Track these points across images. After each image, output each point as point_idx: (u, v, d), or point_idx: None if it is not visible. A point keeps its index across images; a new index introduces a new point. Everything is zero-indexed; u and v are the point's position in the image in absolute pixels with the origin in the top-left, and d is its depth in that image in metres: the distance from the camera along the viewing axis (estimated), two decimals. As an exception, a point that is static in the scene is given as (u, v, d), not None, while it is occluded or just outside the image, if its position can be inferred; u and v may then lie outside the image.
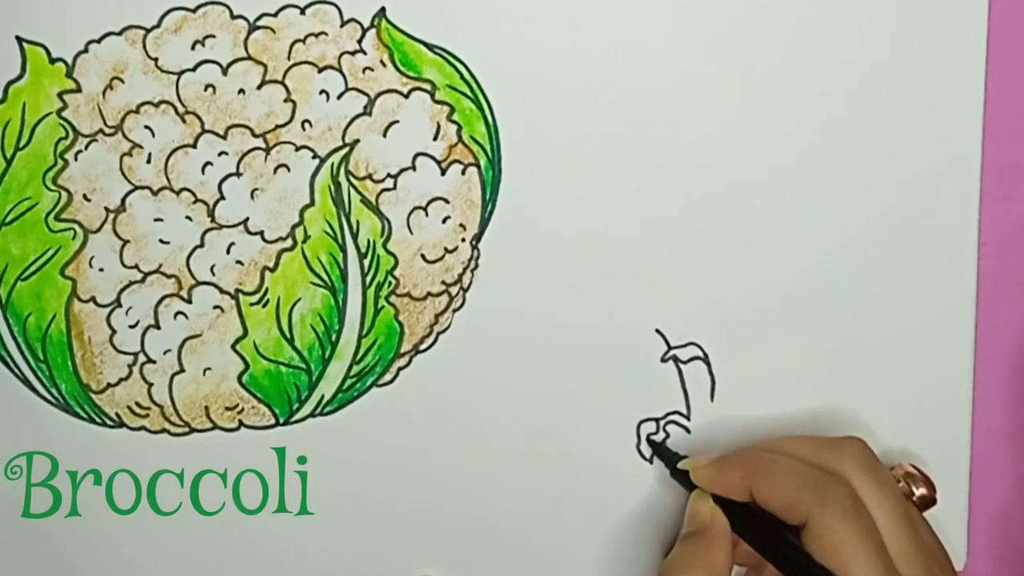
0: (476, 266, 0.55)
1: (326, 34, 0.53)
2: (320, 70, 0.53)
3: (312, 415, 0.56)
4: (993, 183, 0.56)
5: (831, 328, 0.57)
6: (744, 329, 0.56)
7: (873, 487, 0.49)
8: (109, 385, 0.55)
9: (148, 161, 0.53)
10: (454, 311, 0.55)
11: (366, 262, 0.54)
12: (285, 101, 0.53)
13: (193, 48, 0.53)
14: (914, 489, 0.53)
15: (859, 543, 0.47)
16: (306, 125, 0.54)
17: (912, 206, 0.56)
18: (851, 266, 0.56)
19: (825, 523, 0.48)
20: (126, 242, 0.54)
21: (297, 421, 0.56)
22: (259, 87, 0.53)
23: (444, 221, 0.55)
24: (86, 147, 0.53)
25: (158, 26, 0.53)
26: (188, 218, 0.54)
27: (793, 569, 0.49)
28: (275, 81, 0.53)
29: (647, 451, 0.57)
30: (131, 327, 0.54)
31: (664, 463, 0.55)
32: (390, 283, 0.55)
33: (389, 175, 0.54)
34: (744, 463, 0.51)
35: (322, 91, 0.54)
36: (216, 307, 0.54)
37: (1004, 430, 0.57)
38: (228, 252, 0.54)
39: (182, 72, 0.53)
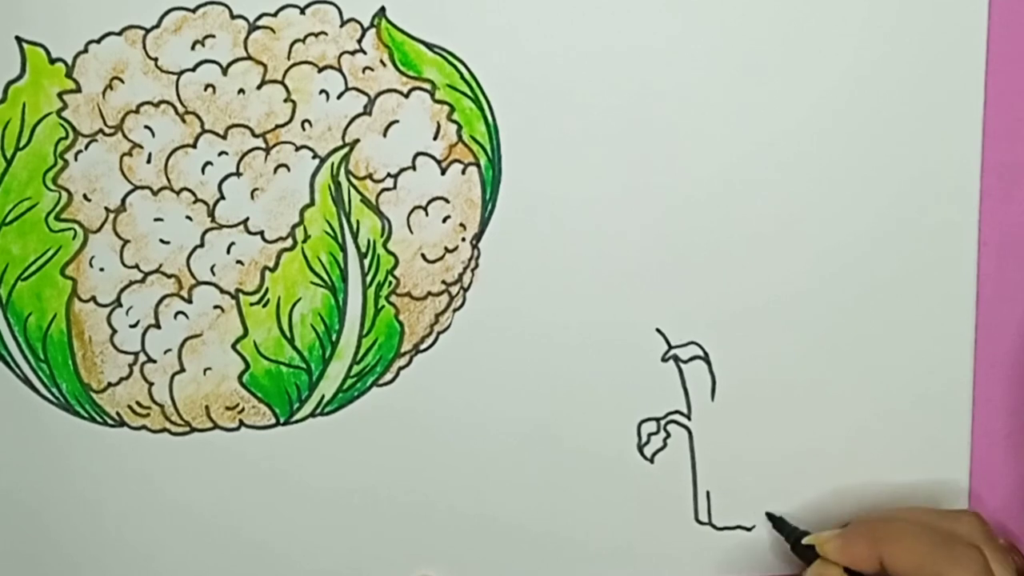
0: (476, 265, 0.55)
1: (326, 34, 0.53)
2: (320, 70, 0.53)
3: (312, 415, 0.56)
4: (993, 183, 0.56)
5: (831, 328, 0.57)
6: (744, 329, 0.56)
7: (996, 557, 0.51)
8: (110, 384, 0.55)
9: (148, 161, 0.53)
10: (454, 311, 0.55)
11: (366, 262, 0.54)
12: (285, 101, 0.53)
13: (193, 48, 0.53)
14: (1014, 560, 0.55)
15: None
16: (306, 125, 0.54)
17: (912, 206, 0.56)
18: (851, 266, 0.56)
19: None
20: (126, 242, 0.54)
21: (297, 421, 0.56)
22: (259, 87, 0.53)
23: (444, 221, 0.55)
24: (86, 147, 0.53)
25: (158, 26, 0.53)
26: (188, 218, 0.54)
27: None
28: (275, 81, 0.53)
29: (648, 451, 0.57)
30: (131, 327, 0.54)
31: (784, 537, 0.56)
32: (390, 283, 0.55)
33: (389, 175, 0.54)
34: (870, 531, 0.52)
35: (322, 91, 0.53)
36: (216, 307, 0.54)
37: (1004, 430, 0.57)
38: (228, 252, 0.54)
39: (182, 72, 0.53)
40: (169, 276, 0.54)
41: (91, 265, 0.54)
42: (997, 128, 0.56)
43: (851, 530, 0.53)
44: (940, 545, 0.50)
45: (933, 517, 0.53)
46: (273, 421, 0.56)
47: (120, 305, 0.54)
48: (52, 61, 0.53)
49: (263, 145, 0.54)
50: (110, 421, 0.55)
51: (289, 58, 0.53)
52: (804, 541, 0.54)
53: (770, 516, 0.57)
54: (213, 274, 0.54)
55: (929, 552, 0.50)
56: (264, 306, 0.55)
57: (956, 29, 0.55)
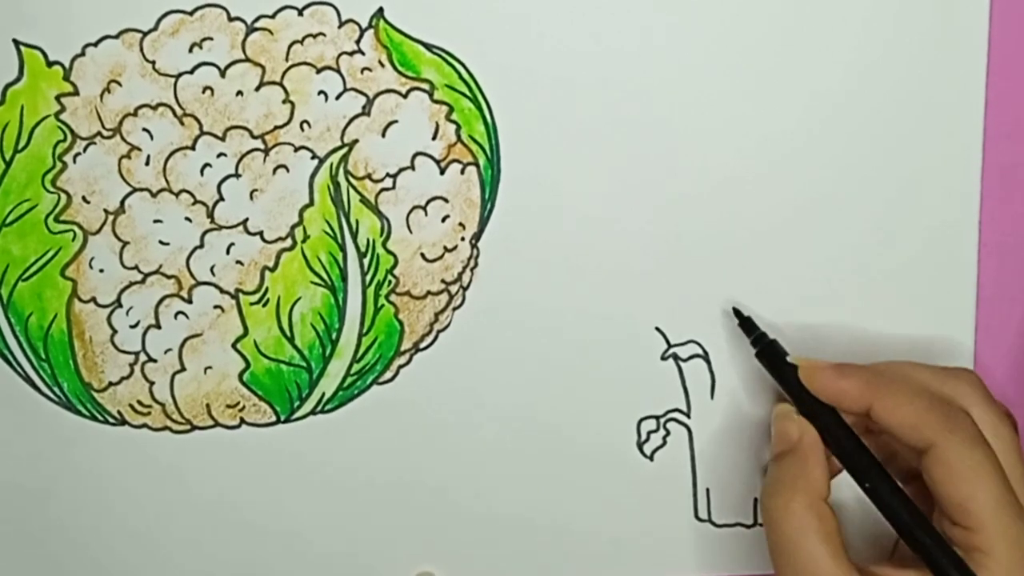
0: (476, 265, 0.55)
1: (324, 35, 0.53)
2: (318, 71, 0.53)
3: (313, 413, 0.56)
4: (994, 183, 0.56)
5: (831, 327, 0.57)
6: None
7: (992, 417, 0.50)
8: (111, 384, 0.55)
9: (147, 163, 0.53)
10: (454, 309, 0.56)
11: (366, 261, 0.54)
12: (284, 102, 0.53)
13: (191, 50, 0.53)
14: None
15: (986, 472, 0.48)
16: (305, 126, 0.53)
17: (913, 206, 0.56)
18: (851, 265, 0.56)
19: (953, 449, 0.48)
20: (126, 243, 0.54)
21: (298, 419, 0.56)
22: (257, 88, 0.53)
23: (443, 220, 0.55)
24: (84, 149, 0.53)
25: (155, 29, 0.53)
26: (187, 219, 0.54)
27: (880, 491, 0.49)
28: (273, 82, 0.53)
29: (648, 448, 0.57)
30: (132, 327, 0.55)
31: (751, 342, 0.54)
32: (390, 282, 0.55)
33: (388, 175, 0.54)
34: (867, 376, 0.50)
35: (320, 92, 0.53)
36: (216, 307, 0.55)
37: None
38: (228, 252, 0.54)
39: (180, 74, 0.53)
40: (169, 277, 0.54)
41: (91, 266, 0.54)
42: (998, 128, 0.55)
43: (847, 366, 0.51)
44: (936, 408, 0.49)
45: (930, 376, 0.51)
46: (274, 419, 0.56)
47: (120, 305, 0.54)
48: (50, 64, 0.53)
49: (262, 146, 0.53)
50: (111, 420, 0.55)
51: (287, 59, 0.53)
52: (790, 359, 0.52)
53: (736, 312, 0.55)
54: (213, 274, 0.54)
55: (924, 413, 0.49)
56: (264, 306, 0.55)
57: (957, 29, 0.55)
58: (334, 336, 0.55)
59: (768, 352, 0.53)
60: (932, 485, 0.49)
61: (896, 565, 0.49)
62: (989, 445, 0.48)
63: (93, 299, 0.54)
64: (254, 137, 0.53)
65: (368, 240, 0.54)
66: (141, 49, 0.53)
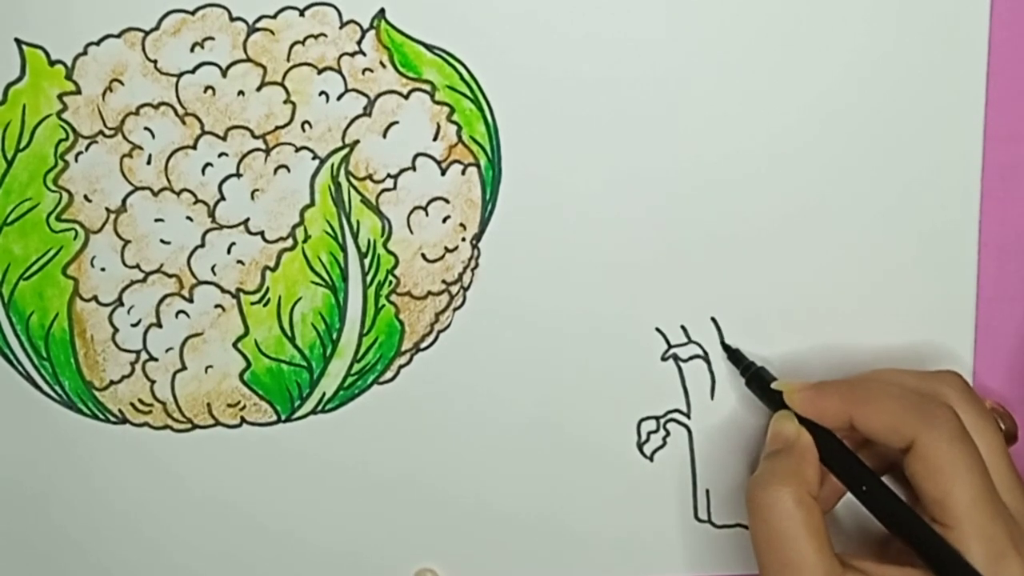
0: (476, 265, 0.55)
1: (325, 35, 0.53)
2: (320, 71, 0.53)
3: (313, 412, 0.56)
4: (994, 183, 0.56)
5: (832, 327, 0.57)
6: (744, 328, 0.56)
7: (975, 416, 0.50)
8: (112, 382, 0.55)
9: (148, 162, 0.53)
10: (455, 310, 0.56)
11: (366, 261, 0.55)
12: (285, 102, 0.53)
13: (192, 50, 0.53)
14: (1000, 424, 0.54)
15: (965, 465, 0.47)
16: (306, 126, 0.54)
17: (913, 206, 0.56)
18: (852, 265, 0.56)
19: (932, 444, 0.48)
20: (127, 242, 0.54)
21: (299, 418, 0.56)
22: (259, 89, 0.53)
23: (444, 221, 0.55)
24: (86, 148, 0.53)
25: (157, 28, 0.53)
26: (189, 218, 0.54)
27: (877, 497, 0.49)
28: (275, 83, 0.53)
29: (648, 449, 0.57)
30: (133, 326, 0.55)
31: (740, 370, 0.55)
32: (390, 282, 0.55)
33: (389, 175, 0.54)
34: (844, 389, 0.51)
35: (322, 92, 0.53)
36: (217, 306, 0.55)
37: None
38: (229, 252, 0.54)
39: (181, 74, 0.53)
40: (170, 276, 0.54)
41: (92, 265, 0.54)
42: (998, 128, 0.55)
43: (824, 384, 0.51)
44: (913, 407, 0.49)
45: (910, 378, 0.51)
46: (274, 418, 0.56)
47: (121, 304, 0.54)
48: (52, 63, 0.53)
49: (263, 146, 0.54)
50: (112, 418, 0.55)
51: (289, 60, 0.53)
52: (773, 386, 0.53)
53: (725, 346, 0.56)
54: (214, 274, 0.54)
55: (902, 413, 0.49)
56: (265, 305, 0.55)
57: (957, 29, 0.55)
58: (335, 336, 0.55)
59: (756, 379, 0.54)
60: (913, 481, 0.49)
61: (878, 560, 0.49)
62: (972, 441, 0.48)
63: (94, 298, 0.54)
64: (255, 137, 0.53)
65: (369, 240, 0.54)
66: (143, 48, 0.53)
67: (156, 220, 0.54)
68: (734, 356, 0.56)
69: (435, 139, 0.54)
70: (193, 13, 0.53)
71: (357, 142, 0.54)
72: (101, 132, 0.53)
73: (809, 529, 0.48)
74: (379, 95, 0.54)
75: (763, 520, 0.49)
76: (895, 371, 0.53)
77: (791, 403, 0.52)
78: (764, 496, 0.49)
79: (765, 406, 0.54)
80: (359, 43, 0.53)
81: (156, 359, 0.55)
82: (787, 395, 0.52)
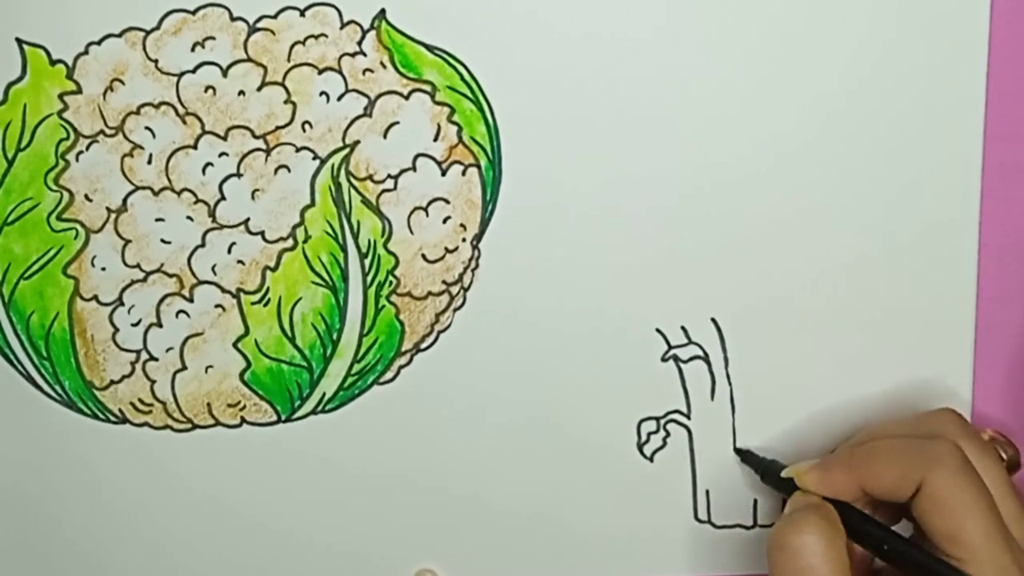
0: (477, 266, 0.55)
1: (326, 36, 0.53)
2: (320, 72, 0.53)
3: (314, 412, 0.56)
4: (994, 184, 0.56)
5: (831, 327, 0.57)
6: (744, 328, 0.56)
7: (976, 451, 0.49)
8: (112, 382, 0.55)
9: (149, 162, 0.54)
10: (455, 310, 0.56)
11: (367, 262, 0.55)
12: (285, 102, 0.53)
13: (193, 50, 0.53)
14: (1002, 454, 0.54)
15: (973, 498, 0.47)
16: (306, 126, 0.54)
17: (913, 206, 0.56)
18: (852, 265, 0.56)
19: (939, 480, 0.48)
20: (128, 242, 0.54)
21: (299, 418, 0.56)
22: (259, 88, 0.53)
23: (445, 221, 0.55)
24: (87, 148, 0.53)
25: (158, 28, 0.53)
26: (189, 218, 0.54)
27: (904, 558, 0.49)
28: (275, 83, 0.53)
29: (648, 449, 0.57)
30: (133, 325, 0.55)
31: (754, 469, 0.56)
32: (391, 282, 0.55)
33: (389, 176, 0.54)
34: (845, 459, 0.51)
35: (322, 92, 0.54)
36: (218, 306, 0.55)
37: (1004, 430, 0.57)
38: (229, 252, 0.54)
39: (182, 74, 0.53)
40: (170, 276, 0.54)
41: (93, 264, 0.54)
42: (998, 128, 0.55)
43: (828, 459, 0.51)
44: (915, 451, 0.49)
45: (907, 427, 0.51)
46: (275, 418, 0.56)
47: (122, 304, 0.55)
48: (52, 63, 0.53)
49: (264, 146, 0.54)
50: (112, 418, 0.55)
51: (289, 60, 0.53)
52: (784, 474, 0.53)
53: (737, 450, 0.57)
54: (214, 274, 0.54)
55: (905, 462, 0.49)
56: (265, 305, 0.55)
57: (957, 29, 0.55)
58: (335, 336, 0.55)
59: (770, 473, 0.54)
60: (922, 520, 0.48)
61: None
62: (977, 474, 0.48)
63: (95, 297, 0.54)
64: (256, 137, 0.54)
65: (369, 241, 0.55)
66: (144, 48, 0.53)
67: (157, 220, 0.54)
68: (746, 457, 0.56)
69: (435, 140, 0.54)
70: (194, 13, 0.53)
71: (357, 142, 0.54)
72: (102, 131, 0.53)
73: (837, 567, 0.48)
74: (379, 95, 0.54)
75: (790, 559, 0.48)
76: (891, 423, 0.53)
77: (803, 486, 0.51)
78: (796, 537, 0.48)
79: (783, 495, 0.53)
80: (360, 43, 0.53)
81: (156, 359, 0.55)
82: (798, 479, 0.52)
